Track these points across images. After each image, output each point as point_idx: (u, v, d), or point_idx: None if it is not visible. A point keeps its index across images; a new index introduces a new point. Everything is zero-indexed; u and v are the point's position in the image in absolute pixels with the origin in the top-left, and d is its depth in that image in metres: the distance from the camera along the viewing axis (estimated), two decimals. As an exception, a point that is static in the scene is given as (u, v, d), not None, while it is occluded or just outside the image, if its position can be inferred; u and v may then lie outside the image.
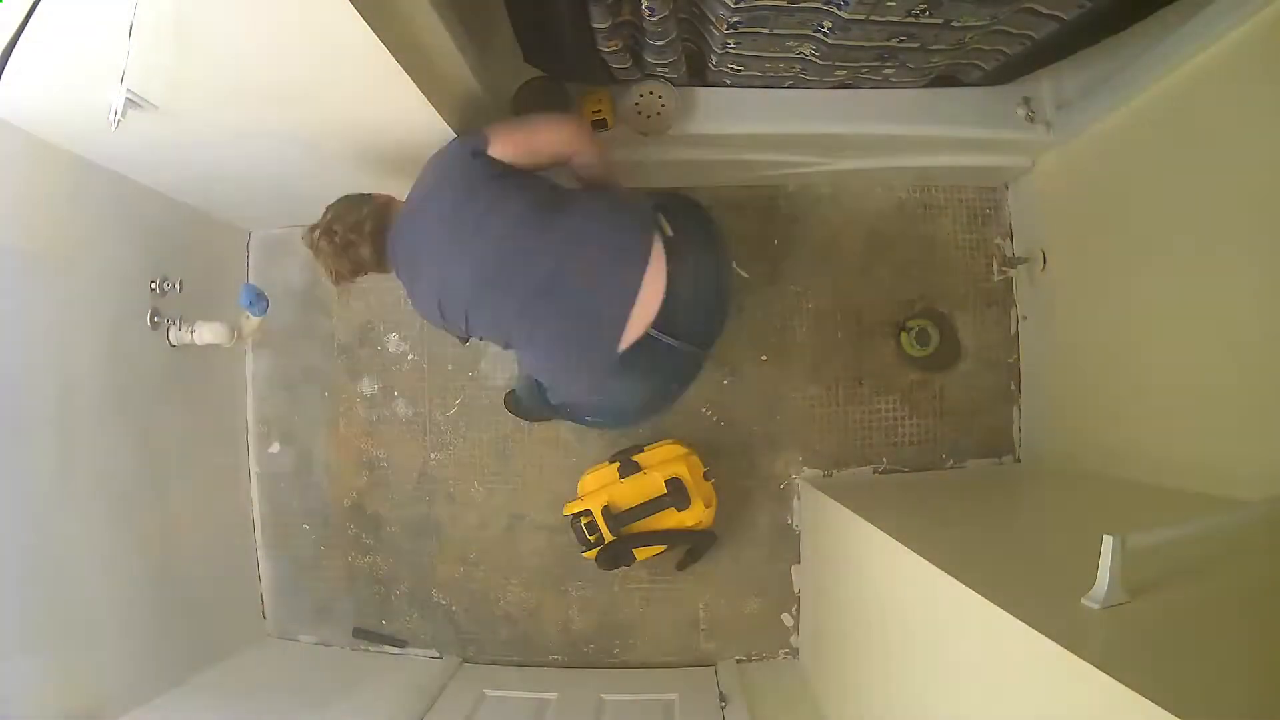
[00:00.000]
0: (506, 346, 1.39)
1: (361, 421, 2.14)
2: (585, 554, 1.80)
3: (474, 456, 2.11)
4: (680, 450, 1.85)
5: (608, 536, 1.75)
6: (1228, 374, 1.29)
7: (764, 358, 2.08)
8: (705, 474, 1.85)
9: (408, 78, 1.14)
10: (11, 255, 1.35)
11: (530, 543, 2.08)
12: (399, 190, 1.45)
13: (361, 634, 2.09)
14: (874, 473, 2.05)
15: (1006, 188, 2.09)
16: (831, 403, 2.07)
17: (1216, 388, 1.31)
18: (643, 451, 1.88)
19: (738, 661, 2.00)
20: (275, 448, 2.15)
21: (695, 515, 1.77)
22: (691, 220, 1.36)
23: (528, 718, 1.77)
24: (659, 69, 1.63)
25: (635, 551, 1.79)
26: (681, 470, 1.77)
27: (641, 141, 1.74)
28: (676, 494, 1.74)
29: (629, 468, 1.82)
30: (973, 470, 2.04)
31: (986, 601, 0.90)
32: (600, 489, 1.81)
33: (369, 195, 1.41)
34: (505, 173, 1.29)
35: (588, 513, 1.76)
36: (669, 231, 1.26)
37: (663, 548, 1.82)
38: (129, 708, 1.51)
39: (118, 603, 1.55)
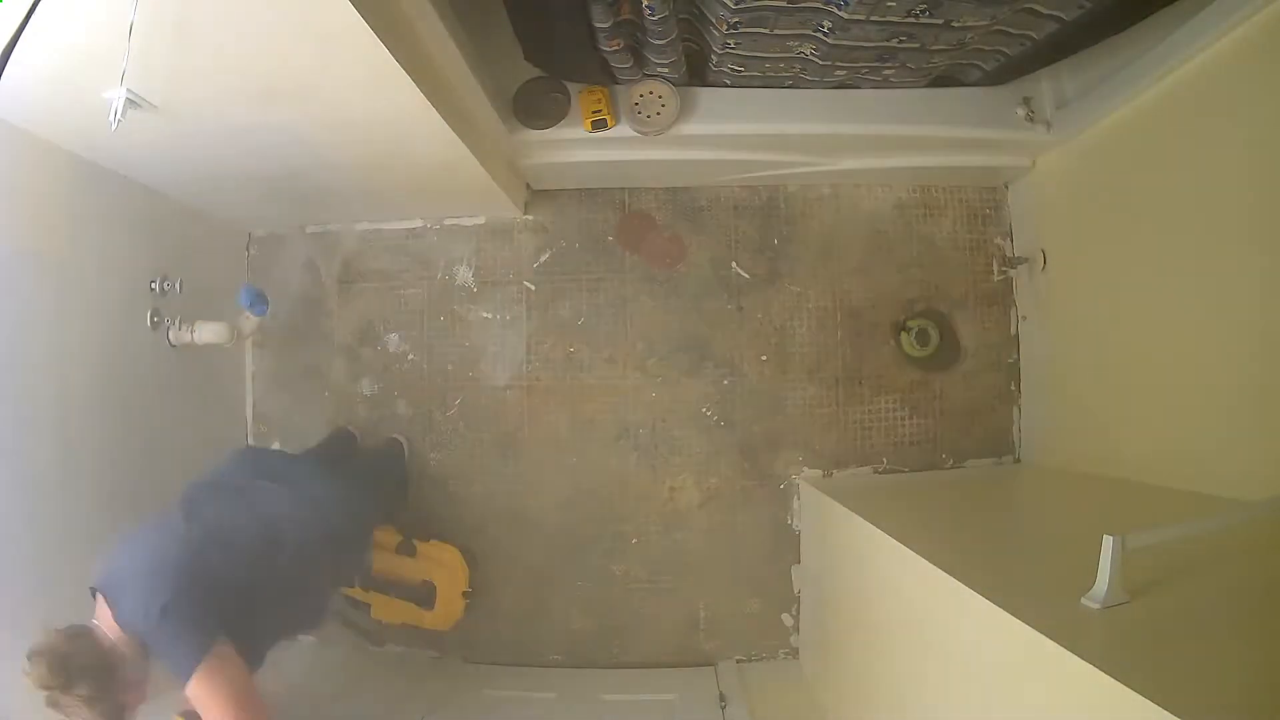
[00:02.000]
0: None
1: (361, 421, 2.14)
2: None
3: (474, 456, 2.11)
4: (455, 560, 1.89)
5: (358, 593, 1.83)
6: (1227, 374, 1.29)
7: (764, 358, 2.08)
8: (465, 593, 1.88)
9: (407, 77, 1.14)
10: (11, 255, 1.35)
11: (530, 542, 2.08)
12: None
13: (362, 633, 2.09)
14: (874, 473, 2.05)
15: (1006, 188, 2.09)
16: (831, 403, 2.07)
17: (1216, 388, 1.31)
18: (427, 541, 1.91)
19: (738, 661, 2.00)
20: (275, 447, 2.14)
21: (431, 620, 1.84)
22: None
23: (528, 718, 1.77)
24: (659, 69, 1.63)
25: (373, 606, 1.86)
26: (440, 579, 1.84)
27: (642, 141, 1.74)
28: (423, 595, 1.83)
29: (406, 546, 1.87)
30: (973, 470, 2.04)
31: (987, 601, 0.90)
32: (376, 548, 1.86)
33: None
34: None
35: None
36: None
37: (398, 622, 1.88)
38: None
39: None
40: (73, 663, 1.09)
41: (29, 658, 1.09)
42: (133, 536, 1.26)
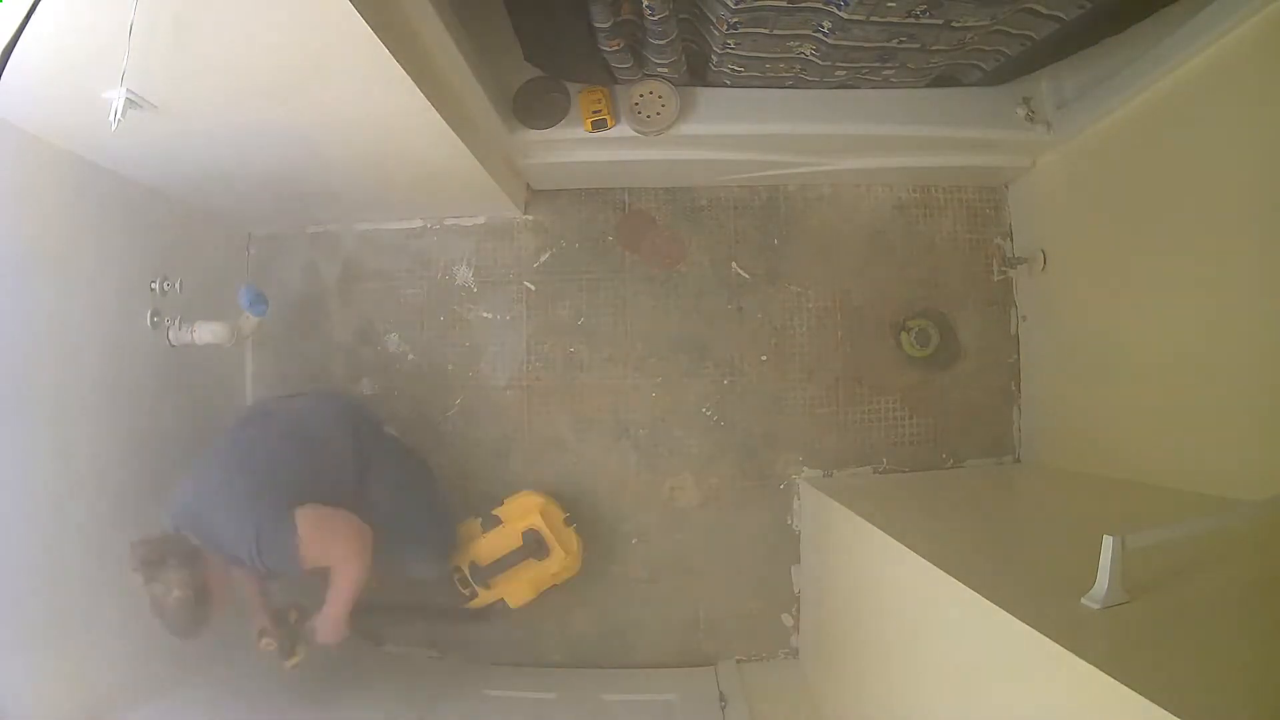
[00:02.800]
0: None
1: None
2: (471, 604, 1.86)
3: (473, 457, 2.11)
4: (536, 500, 1.87)
5: (478, 590, 1.81)
6: (1227, 374, 1.29)
7: (764, 358, 2.08)
8: (566, 519, 1.87)
9: (407, 77, 1.14)
10: (11, 255, 1.35)
11: (530, 543, 2.08)
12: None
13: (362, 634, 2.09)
14: (874, 473, 2.05)
15: (1006, 188, 2.09)
16: (831, 403, 2.07)
17: (1216, 388, 1.31)
18: (501, 505, 1.90)
19: (738, 661, 2.00)
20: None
21: (558, 563, 1.82)
22: None
23: (528, 718, 1.77)
24: (660, 69, 1.63)
25: (507, 599, 1.85)
26: (537, 521, 1.82)
27: (642, 141, 1.74)
28: (534, 545, 1.80)
29: (490, 521, 1.86)
30: (973, 470, 2.04)
31: (986, 601, 0.90)
32: (463, 545, 1.85)
33: None
34: None
35: (457, 568, 1.84)
36: None
37: (533, 595, 1.86)
38: (129, 707, 1.51)
39: (118, 603, 1.54)
40: (167, 548, 1.36)
41: (132, 544, 1.35)
42: (200, 473, 1.49)
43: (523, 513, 1.85)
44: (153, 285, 1.70)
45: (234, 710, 1.66)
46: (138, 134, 1.23)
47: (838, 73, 1.61)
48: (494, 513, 1.87)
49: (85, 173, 1.49)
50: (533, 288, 2.12)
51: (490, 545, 1.82)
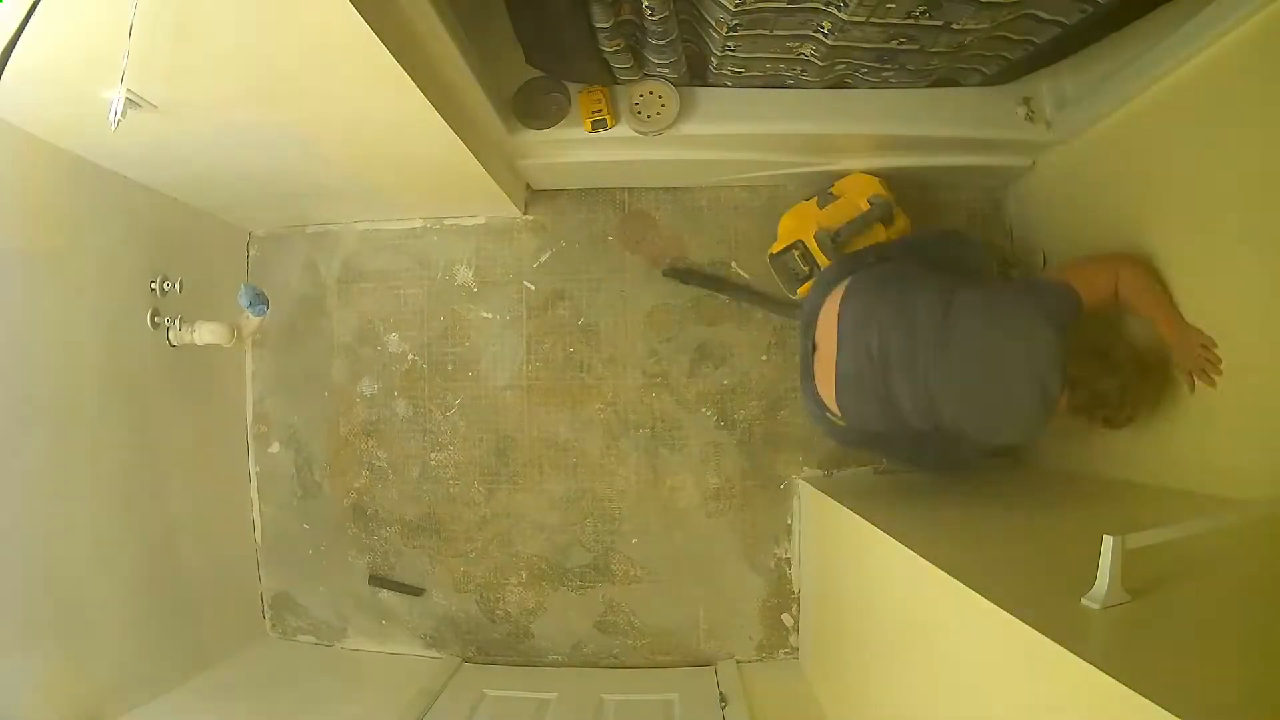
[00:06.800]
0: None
1: (361, 421, 2.14)
2: (799, 291, 1.87)
3: (473, 456, 2.11)
4: (872, 178, 1.90)
5: (823, 261, 1.83)
6: (1227, 374, 1.29)
7: (764, 358, 2.08)
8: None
9: (407, 77, 1.14)
10: (11, 255, 1.35)
11: (530, 542, 2.08)
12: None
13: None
14: (874, 473, 2.05)
15: (1006, 188, 2.09)
16: (831, 403, 2.06)
17: (1216, 387, 1.31)
18: (833, 185, 1.93)
19: (738, 662, 2.00)
20: (275, 448, 2.15)
21: (899, 229, 1.87)
22: None
23: (528, 718, 1.77)
24: (660, 69, 1.63)
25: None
26: (879, 189, 1.86)
27: (642, 141, 1.74)
28: (882, 211, 1.83)
29: (826, 199, 1.89)
30: (973, 470, 2.04)
31: (987, 601, 0.90)
32: (802, 222, 1.88)
33: None
34: None
35: (798, 244, 1.86)
36: None
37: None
38: (129, 708, 1.51)
39: (118, 603, 1.55)
40: None
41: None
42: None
43: (862, 187, 1.89)
44: (153, 285, 1.70)
45: (233, 711, 1.66)
46: (138, 134, 1.23)
47: (837, 70, 1.61)
48: (830, 190, 1.90)
49: (85, 173, 1.49)
50: (533, 288, 2.12)
51: (833, 216, 1.86)
